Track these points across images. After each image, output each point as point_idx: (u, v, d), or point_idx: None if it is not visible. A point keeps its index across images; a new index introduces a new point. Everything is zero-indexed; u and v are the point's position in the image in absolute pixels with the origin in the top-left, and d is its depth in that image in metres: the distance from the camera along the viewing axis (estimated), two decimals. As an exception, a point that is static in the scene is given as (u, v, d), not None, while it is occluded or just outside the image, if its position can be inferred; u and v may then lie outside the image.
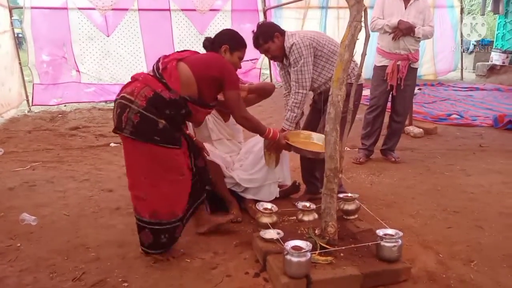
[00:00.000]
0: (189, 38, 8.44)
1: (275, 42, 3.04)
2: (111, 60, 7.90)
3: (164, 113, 2.32)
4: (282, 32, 3.06)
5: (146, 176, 2.36)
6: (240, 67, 2.85)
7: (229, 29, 2.87)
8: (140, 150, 2.32)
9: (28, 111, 7.10)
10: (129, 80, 2.50)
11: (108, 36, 7.85)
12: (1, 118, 6.42)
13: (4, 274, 2.40)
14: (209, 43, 2.76)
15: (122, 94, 2.37)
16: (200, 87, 2.45)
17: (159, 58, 2.50)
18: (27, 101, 7.33)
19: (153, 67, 2.46)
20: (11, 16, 7.23)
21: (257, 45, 3.08)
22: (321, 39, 3.06)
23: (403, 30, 4.18)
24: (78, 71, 7.68)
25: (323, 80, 3.12)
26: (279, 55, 3.10)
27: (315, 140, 3.11)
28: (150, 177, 2.36)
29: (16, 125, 6.15)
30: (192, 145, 2.62)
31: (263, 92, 3.40)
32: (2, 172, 4.11)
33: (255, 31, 3.07)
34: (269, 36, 3.02)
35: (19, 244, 2.73)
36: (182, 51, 2.67)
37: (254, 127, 2.76)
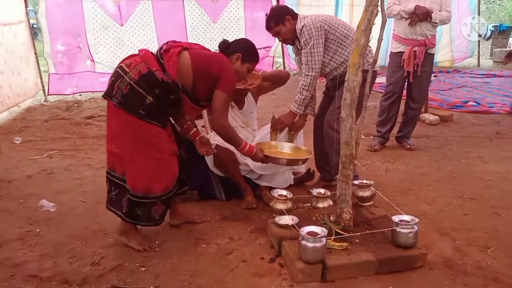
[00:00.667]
0: (202, 27, 8.42)
1: (286, 25, 3.04)
2: (125, 49, 7.90)
3: (153, 91, 2.32)
4: (294, 16, 3.05)
5: (133, 145, 2.37)
6: (246, 79, 2.84)
7: (248, 40, 2.84)
8: (125, 120, 2.34)
9: (44, 101, 7.18)
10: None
11: (121, 26, 7.87)
12: (18, 107, 6.51)
13: (25, 258, 2.45)
14: (225, 46, 2.71)
15: (121, 64, 2.42)
16: (195, 79, 2.44)
17: (168, 41, 2.51)
18: (43, 90, 7.41)
19: (159, 47, 2.48)
20: (26, 6, 7.29)
21: (268, 27, 3.10)
22: (334, 22, 3.04)
23: (420, 16, 4.11)
24: (92, 60, 7.73)
25: (335, 64, 3.10)
26: (290, 38, 3.10)
27: (285, 149, 3.10)
28: (135, 147, 2.37)
29: (32, 114, 6.23)
30: (176, 135, 2.60)
31: (277, 79, 3.39)
32: (20, 161, 4.19)
33: (268, 14, 3.08)
34: (280, 19, 3.03)
35: (38, 230, 2.79)
36: (193, 43, 2.66)
37: (230, 137, 2.68)
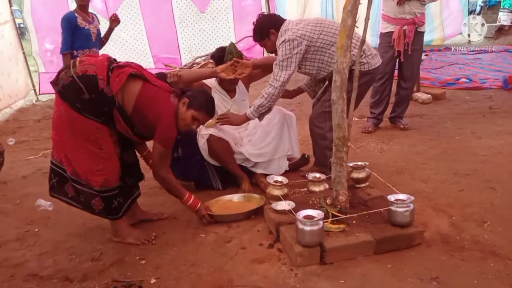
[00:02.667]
0: (190, 18, 8.34)
1: (271, 38, 3.05)
2: (114, 45, 7.83)
3: (90, 94, 2.28)
4: (278, 27, 3.01)
5: (71, 134, 2.34)
6: (194, 127, 2.65)
7: (206, 92, 2.73)
8: (64, 110, 2.31)
9: (36, 100, 7.13)
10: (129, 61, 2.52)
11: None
12: (10, 109, 6.48)
13: (24, 258, 2.46)
14: (181, 91, 2.60)
15: (78, 58, 2.41)
16: (134, 112, 2.39)
17: (133, 63, 2.48)
18: (34, 90, 7.36)
19: (120, 61, 2.45)
20: (10, 5, 7.20)
21: (255, 39, 3.14)
22: (316, 33, 2.94)
23: (408, -6, 4.09)
24: (82, 57, 7.67)
25: (322, 69, 3.06)
26: (276, 50, 3.05)
27: (237, 199, 2.97)
28: (73, 137, 2.34)
29: (25, 115, 6.20)
30: (123, 138, 2.50)
31: (268, 67, 3.35)
32: (14, 161, 4.17)
33: (254, 24, 3.09)
34: (265, 33, 3.05)
35: (37, 229, 2.79)
36: (160, 80, 2.53)
37: (170, 189, 2.58)
